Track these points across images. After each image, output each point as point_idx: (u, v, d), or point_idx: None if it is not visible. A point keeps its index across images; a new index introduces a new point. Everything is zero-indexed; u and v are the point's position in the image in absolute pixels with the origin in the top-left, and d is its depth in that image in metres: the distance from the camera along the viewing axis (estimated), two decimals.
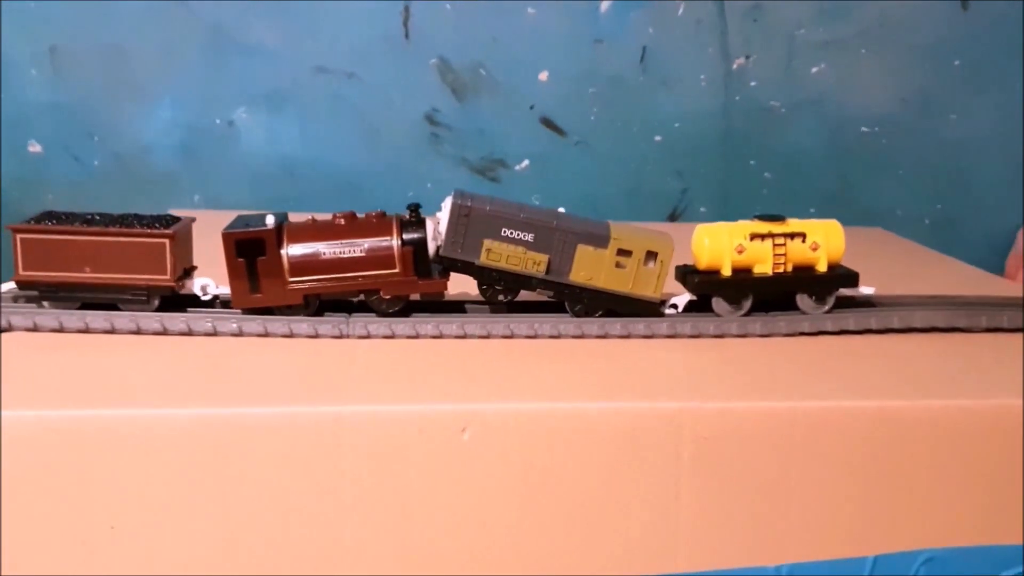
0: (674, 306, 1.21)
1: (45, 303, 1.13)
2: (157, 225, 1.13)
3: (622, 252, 1.16)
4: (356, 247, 1.13)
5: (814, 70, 2.06)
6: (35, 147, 1.98)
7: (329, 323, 1.13)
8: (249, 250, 1.12)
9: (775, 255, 1.18)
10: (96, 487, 0.90)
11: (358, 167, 2.05)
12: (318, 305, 1.15)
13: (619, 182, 2.09)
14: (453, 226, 1.14)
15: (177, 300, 1.16)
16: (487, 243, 1.14)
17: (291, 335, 1.12)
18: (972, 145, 2.11)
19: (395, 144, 2.05)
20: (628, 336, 1.16)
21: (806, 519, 0.98)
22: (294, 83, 2.01)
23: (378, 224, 1.15)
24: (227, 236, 1.12)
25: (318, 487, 0.92)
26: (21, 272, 1.12)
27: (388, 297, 1.15)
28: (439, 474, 0.94)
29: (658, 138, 2.07)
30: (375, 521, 0.93)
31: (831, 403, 0.98)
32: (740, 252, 1.18)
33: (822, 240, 1.19)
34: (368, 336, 1.13)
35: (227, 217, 1.17)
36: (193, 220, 1.18)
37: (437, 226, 1.15)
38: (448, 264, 1.15)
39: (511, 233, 1.14)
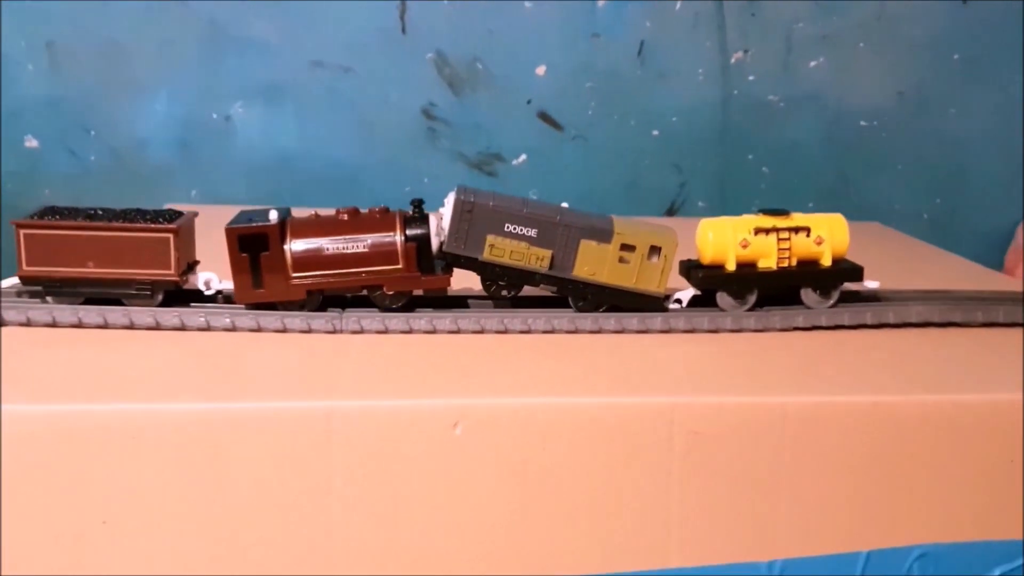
0: (678, 301, 1.21)
1: (49, 298, 1.13)
2: (161, 220, 1.13)
3: (625, 247, 1.16)
4: (359, 243, 1.13)
5: (812, 64, 2.06)
6: (32, 142, 1.98)
7: (322, 318, 1.13)
8: (252, 245, 1.12)
9: (779, 249, 1.18)
10: (86, 482, 0.89)
11: (355, 161, 2.05)
12: (321, 301, 1.15)
13: (617, 176, 2.09)
14: (456, 222, 1.13)
15: (181, 295, 1.16)
16: (490, 239, 1.14)
17: (284, 330, 1.12)
18: (971, 140, 2.12)
19: (392, 138, 2.05)
20: (623, 331, 1.16)
21: (799, 514, 0.98)
22: (291, 77, 2.01)
23: (381, 220, 1.14)
24: (230, 231, 1.11)
25: (310, 482, 0.92)
26: (25, 267, 1.12)
27: (391, 293, 1.14)
28: (431, 469, 0.93)
29: (656, 132, 2.07)
30: (367, 516, 0.93)
31: (824, 398, 0.98)
32: (744, 247, 1.18)
33: (826, 234, 1.19)
34: (361, 331, 1.13)
35: (225, 211, 1.17)
36: (196, 215, 1.18)
37: (440, 222, 1.15)
38: (451, 260, 1.15)
39: (514, 228, 1.14)
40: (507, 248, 1.14)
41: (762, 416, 0.97)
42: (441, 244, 1.14)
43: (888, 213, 2.08)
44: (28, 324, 1.11)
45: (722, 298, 1.19)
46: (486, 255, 1.14)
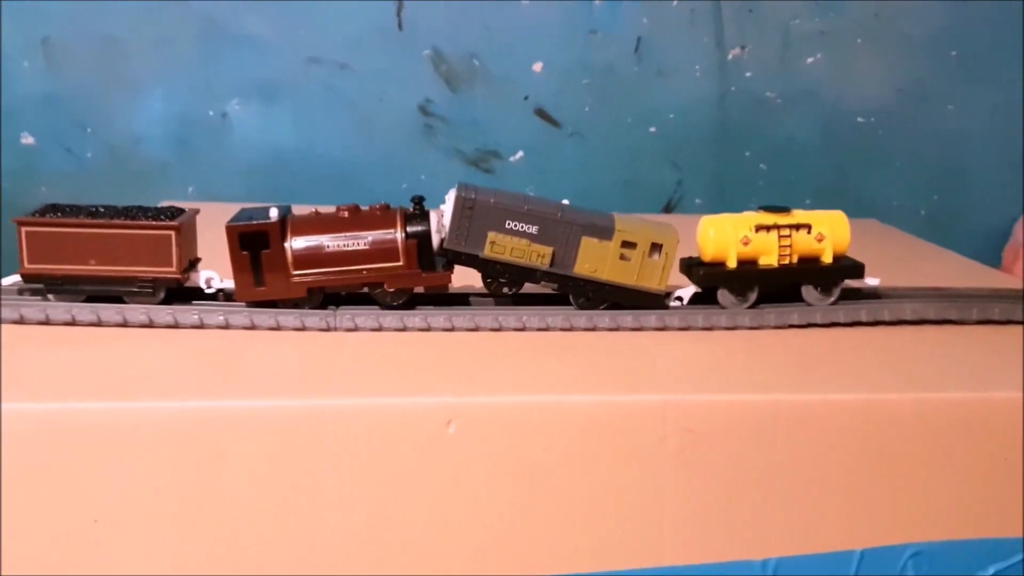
0: (679, 299, 1.21)
1: (50, 296, 1.13)
2: (162, 217, 1.13)
3: (626, 244, 1.16)
4: (360, 240, 1.13)
5: (809, 60, 2.06)
6: (28, 139, 1.97)
7: (316, 315, 1.13)
8: (253, 243, 1.11)
9: (780, 247, 1.18)
10: (78, 480, 0.89)
11: (351, 158, 2.04)
12: (322, 298, 1.15)
13: (614, 173, 2.09)
14: (457, 218, 1.13)
15: (183, 292, 1.15)
16: (491, 235, 1.13)
17: (278, 328, 1.12)
18: (968, 136, 2.12)
19: (388, 135, 2.04)
20: (617, 329, 1.16)
21: (793, 513, 0.98)
22: (287, 74, 2.00)
23: (382, 217, 1.14)
24: (231, 229, 1.11)
25: (302, 480, 0.92)
26: (26, 265, 1.11)
27: (392, 290, 1.14)
28: (423, 468, 0.93)
29: (653, 129, 2.07)
30: (359, 515, 0.93)
31: (818, 396, 0.98)
32: (745, 244, 1.17)
33: (827, 231, 1.19)
34: (355, 329, 1.13)
35: (221, 209, 1.17)
36: (197, 212, 1.18)
37: (441, 218, 1.15)
38: (452, 257, 1.15)
39: (515, 225, 1.14)
40: (508, 245, 1.14)
41: (756, 414, 0.97)
42: (442, 241, 1.14)
43: (886, 210, 2.08)
44: (21, 322, 1.10)
45: (723, 295, 1.19)
46: (487, 252, 1.14)
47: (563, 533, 0.96)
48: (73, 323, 1.11)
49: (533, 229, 1.14)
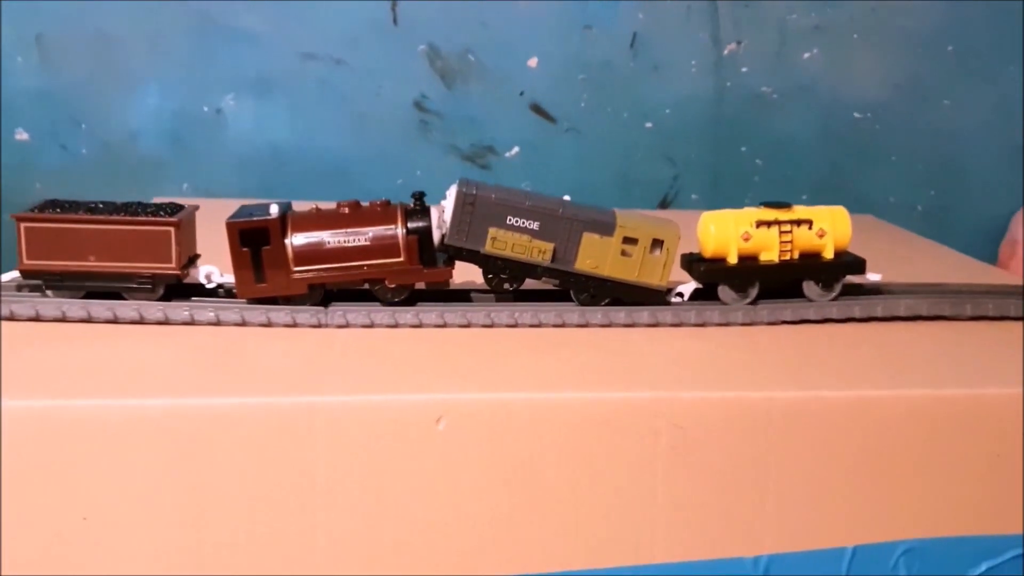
0: (680, 294, 1.20)
1: (49, 292, 1.12)
2: (162, 213, 1.12)
3: (628, 240, 1.16)
4: (361, 236, 1.13)
5: (806, 56, 2.06)
6: (22, 135, 1.96)
7: (307, 312, 1.12)
8: (253, 240, 1.11)
9: (781, 242, 1.18)
10: (69, 478, 0.89)
11: (347, 154, 2.04)
12: (323, 294, 1.14)
13: (610, 169, 2.09)
14: (458, 214, 1.13)
15: (182, 288, 1.15)
16: (492, 231, 1.13)
17: (269, 324, 1.12)
18: (965, 132, 2.12)
19: (384, 131, 2.04)
20: (610, 325, 1.16)
21: (785, 510, 0.98)
22: (282, 70, 2.00)
23: (382, 213, 1.14)
24: (231, 226, 1.11)
25: (293, 477, 0.92)
26: (25, 261, 1.11)
27: (393, 286, 1.14)
28: (413, 465, 0.93)
29: (649, 124, 2.07)
30: (349, 511, 0.93)
31: (810, 393, 0.98)
32: (746, 240, 1.17)
33: (828, 227, 1.19)
34: (347, 325, 1.13)
35: (217, 205, 1.17)
36: (196, 208, 1.18)
37: (442, 214, 1.14)
38: (453, 252, 1.15)
39: (516, 221, 1.14)
40: (509, 241, 1.14)
41: (748, 411, 0.97)
42: (443, 237, 1.14)
43: (882, 206, 2.09)
44: (12, 318, 1.10)
45: (724, 291, 1.19)
46: (488, 248, 1.14)
47: (554, 530, 0.96)
48: (64, 319, 1.10)
49: (534, 225, 1.14)
